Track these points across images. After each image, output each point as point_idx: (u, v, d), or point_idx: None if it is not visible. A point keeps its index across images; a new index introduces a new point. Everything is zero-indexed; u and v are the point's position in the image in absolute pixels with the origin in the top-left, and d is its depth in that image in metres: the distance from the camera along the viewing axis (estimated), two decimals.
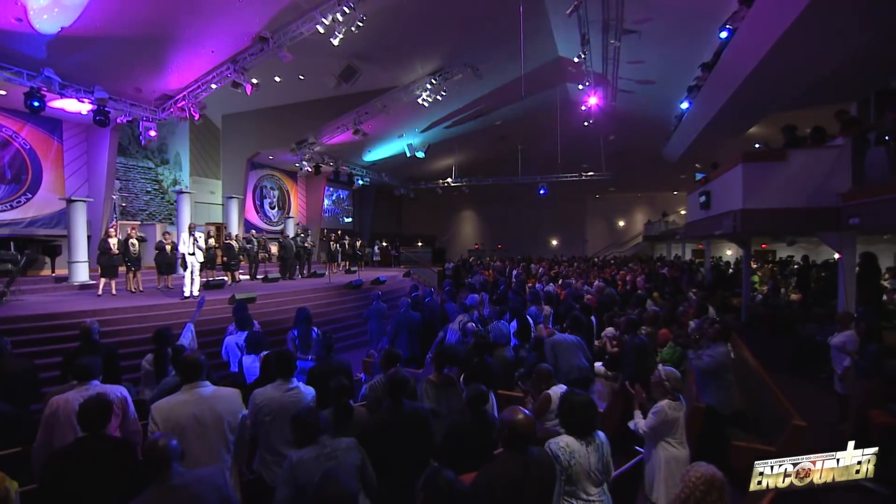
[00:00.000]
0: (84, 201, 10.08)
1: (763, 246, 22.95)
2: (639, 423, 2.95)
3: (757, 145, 9.01)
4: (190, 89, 11.11)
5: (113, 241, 8.92)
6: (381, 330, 7.22)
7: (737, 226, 7.00)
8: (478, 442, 2.61)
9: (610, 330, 7.08)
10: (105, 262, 8.86)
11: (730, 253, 24.23)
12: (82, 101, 9.56)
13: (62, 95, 9.17)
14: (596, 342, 6.37)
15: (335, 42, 9.63)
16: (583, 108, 17.40)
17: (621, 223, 30.04)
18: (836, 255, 18.12)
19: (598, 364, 5.82)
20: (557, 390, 3.35)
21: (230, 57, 10.46)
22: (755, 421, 4.27)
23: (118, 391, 2.78)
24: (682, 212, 25.68)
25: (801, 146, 7.01)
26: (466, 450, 2.56)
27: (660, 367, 2.98)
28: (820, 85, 8.02)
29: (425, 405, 2.98)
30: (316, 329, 5.33)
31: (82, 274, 9.79)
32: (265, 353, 3.92)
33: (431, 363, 3.50)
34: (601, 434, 2.38)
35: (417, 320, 6.16)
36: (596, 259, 24.19)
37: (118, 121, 10.68)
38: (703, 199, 9.18)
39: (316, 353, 4.34)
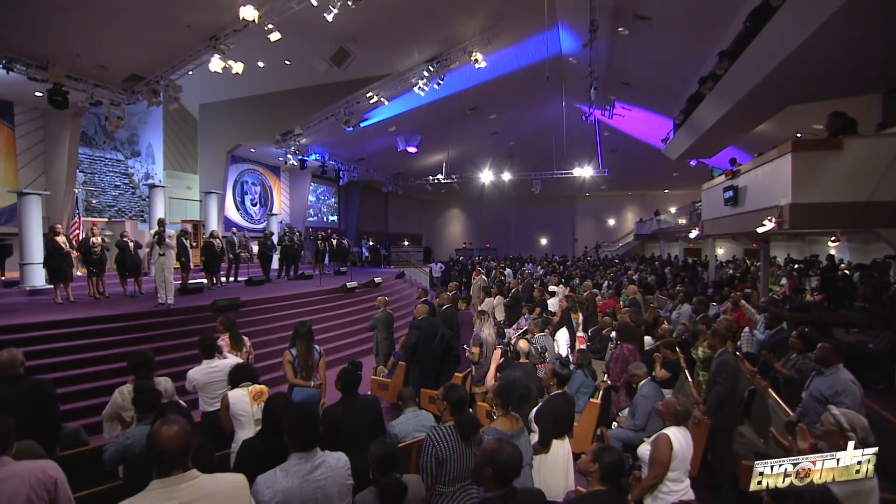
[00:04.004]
0: (39, 195, 8.84)
1: (754, 245, 22.80)
2: None
3: (798, 135, 8.42)
4: (164, 71, 9.93)
5: (61, 239, 7.64)
6: (389, 341, 6.32)
7: (783, 221, 6.35)
8: None
9: (647, 339, 6.37)
10: (54, 263, 7.60)
11: (721, 252, 24.02)
12: (33, 79, 8.28)
13: (7, 69, 7.91)
14: None
15: (329, 18, 8.64)
16: (577, 105, 16.89)
17: (611, 222, 29.68)
18: (832, 251, 17.84)
19: None
20: (678, 432, 2.53)
21: (209, 34, 9.34)
22: None
23: (40, 471, 1.80)
24: (673, 210, 25.46)
25: (852, 134, 6.40)
26: None
27: (832, 408, 2.18)
28: (849, 74, 7.47)
29: (534, 489, 2.10)
30: (317, 347, 4.37)
31: (36, 277, 8.56)
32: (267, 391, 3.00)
33: (494, 401, 2.63)
34: None
35: (441, 331, 5.24)
36: (589, 258, 23.73)
37: (79, 103, 9.43)
38: (729, 194, 8.55)
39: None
